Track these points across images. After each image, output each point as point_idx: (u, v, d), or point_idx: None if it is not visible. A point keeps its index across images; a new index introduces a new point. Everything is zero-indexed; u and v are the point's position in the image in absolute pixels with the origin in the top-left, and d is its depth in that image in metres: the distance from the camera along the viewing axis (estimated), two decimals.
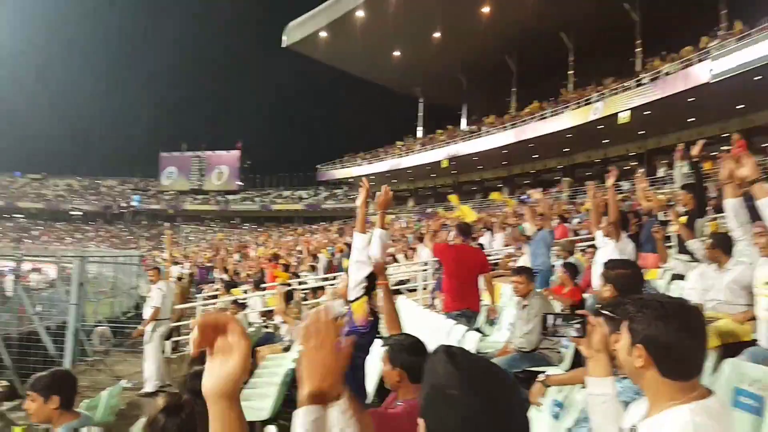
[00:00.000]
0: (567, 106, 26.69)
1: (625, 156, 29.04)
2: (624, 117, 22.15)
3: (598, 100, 24.11)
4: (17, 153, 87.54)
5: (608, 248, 4.84)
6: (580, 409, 2.48)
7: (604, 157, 30.07)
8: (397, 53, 35.91)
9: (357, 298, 3.44)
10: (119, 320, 10.06)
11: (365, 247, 3.65)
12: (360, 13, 31.15)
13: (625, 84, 23.21)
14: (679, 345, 1.28)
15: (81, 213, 67.47)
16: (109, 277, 11.57)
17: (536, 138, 28.02)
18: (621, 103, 22.57)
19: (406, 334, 2.64)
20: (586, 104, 25.01)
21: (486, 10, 28.89)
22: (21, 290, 7.73)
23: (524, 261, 8.90)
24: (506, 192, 35.75)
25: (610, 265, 3.09)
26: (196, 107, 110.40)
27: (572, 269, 6.19)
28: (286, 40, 37.14)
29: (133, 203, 66.48)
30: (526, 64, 33.16)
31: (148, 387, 7.31)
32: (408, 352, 2.28)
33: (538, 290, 5.02)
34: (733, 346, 3.45)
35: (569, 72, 30.86)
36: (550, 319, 1.78)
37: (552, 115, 27.25)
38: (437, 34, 32.49)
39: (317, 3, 34.09)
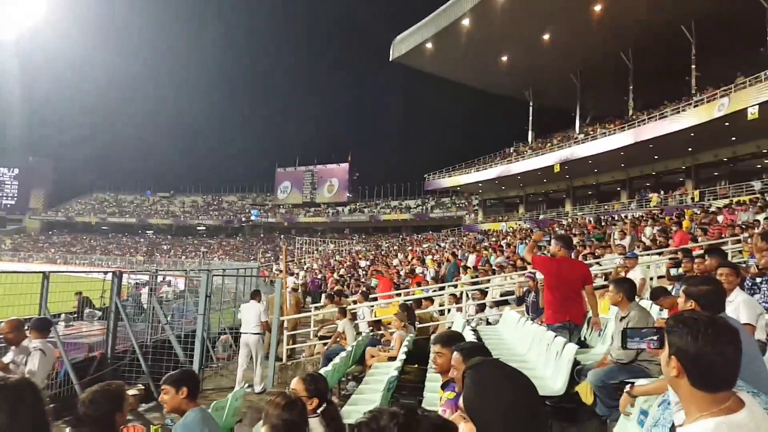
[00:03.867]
0: (690, 104, 24.57)
1: (758, 154, 26.14)
2: (753, 113, 19.96)
3: (723, 96, 21.92)
4: (148, 174, 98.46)
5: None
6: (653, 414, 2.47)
7: (733, 156, 27.26)
8: (504, 57, 35.37)
9: None
10: (240, 329, 10.85)
11: None
12: (466, 22, 31.19)
13: (756, 76, 20.92)
14: (705, 357, 1.38)
15: (205, 228, 73.73)
16: (231, 288, 12.53)
17: (656, 138, 26.04)
18: (750, 97, 20.43)
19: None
20: (710, 101, 22.86)
21: (598, 7, 27.57)
22: (155, 302, 8.67)
23: (636, 273, 8.41)
24: (625, 195, 33.61)
25: (692, 282, 2.99)
26: (309, 123, 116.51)
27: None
28: (393, 53, 38.06)
29: (252, 217, 71.30)
30: (644, 61, 31.12)
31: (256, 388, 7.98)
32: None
33: (639, 302, 4.79)
34: None
35: (692, 66, 28.35)
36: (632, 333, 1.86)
37: (673, 114, 25.21)
38: (547, 36, 31.58)
39: (423, 16, 34.71)
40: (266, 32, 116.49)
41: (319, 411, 2.82)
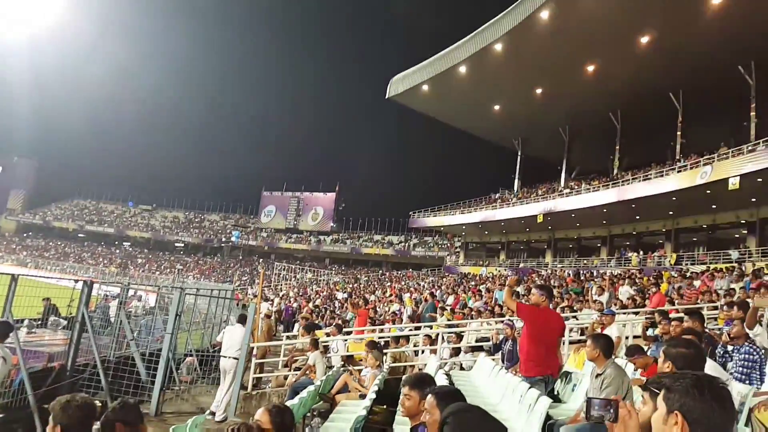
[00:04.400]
0: (673, 168, 25.24)
1: (736, 223, 26.77)
2: (734, 183, 20.56)
3: (706, 164, 22.60)
4: (132, 185, 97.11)
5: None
6: None
7: (712, 223, 27.91)
8: (497, 106, 36.22)
9: None
10: (207, 352, 10.55)
11: None
12: (462, 69, 31.96)
13: (738, 149, 21.70)
14: (712, 414, 1.37)
15: (184, 245, 72.59)
16: (203, 308, 12.21)
17: (639, 199, 26.59)
18: (732, 168, 21.10)
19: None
20: (693, 167, 23.53)
21: (591, 68, 28.49)
22: (123, 316, 8.41)
23: (612, 330, 8.40)
24: (605, 251, 34.01)
25: (672, 343, 3.04)
26: (299, 150, 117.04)
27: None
28: (389, 91, 38.75)
29: (233, 238, 70.56)
30: (632, 123, 32.02)
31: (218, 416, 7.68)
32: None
33: (616, 360, 4.76)
34: None
35: (677, 133, 29.26)
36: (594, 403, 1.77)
37: (657, 177, 25.85)
38: (539, 90, 32.46)
39: (421, 59, 35.53)
40: (264, 56, 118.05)
41: None
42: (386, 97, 39.23)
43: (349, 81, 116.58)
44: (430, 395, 2.44)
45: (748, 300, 7.46)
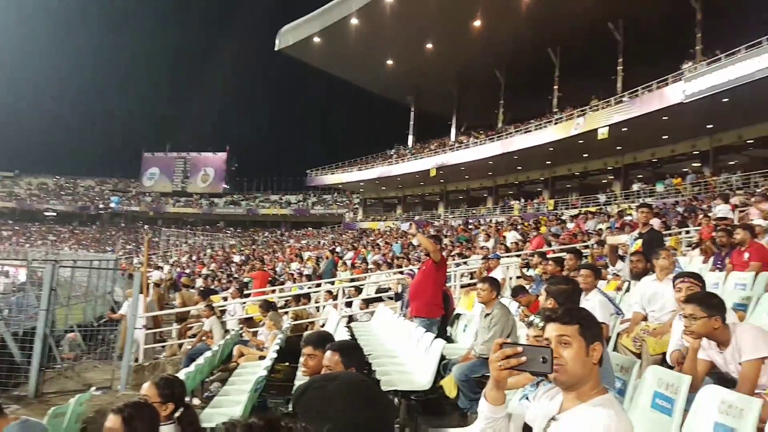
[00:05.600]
0: (551, 121, 27.03)
1: (603, 170, 29.50)
2: (603, 133, 22.54)
3: (580, 116, 24.45)
4: None
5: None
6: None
7: (583, 170, 30.53)
8: (390, 62, 36.12)
9: None
10: (92, 326, 9.88)
11: None
12: (354, 21, 31.32)
13: (606, 101, 23.71)
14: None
15: (55, 213, 66.07)
16: (83, 281, 11.35)
17: (521, 150, 28.29)
18: (601, 119, 23.06)
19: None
20: (568, 119, 25.36)
21: (477, 23, 29.19)
22: None
23: (497, 273, 9.00)
24: (491, 201, 36.00)
25: (553, 281, 3.36)
26: (183, 107, 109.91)
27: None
28: (278, 43, 37.19)
29: (112, 204, 65.56)
30: (515, 78, 33.49)
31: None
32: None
33: (502, 300, 5.11)
34: None
35: (554, 87, 31.23)
36: None
37: (536, 129, 27.57)
38: (430, 45, 32.75)
39: (311, 9, 34.30)
40: (148, 7, 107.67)
41: (174, 417, 2.61)
42: (276, 49, 37.67)
43: (237, 31, 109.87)
44: (329, 351, 2.44)
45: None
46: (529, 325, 2.17)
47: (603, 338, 1.68)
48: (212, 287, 14.41)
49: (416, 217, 38.60)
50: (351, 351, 2.50)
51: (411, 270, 9.46)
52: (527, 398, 2.01)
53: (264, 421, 0.95)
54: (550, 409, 1.65)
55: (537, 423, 1.68)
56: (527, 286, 6.94)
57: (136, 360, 8.47)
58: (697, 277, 3.63)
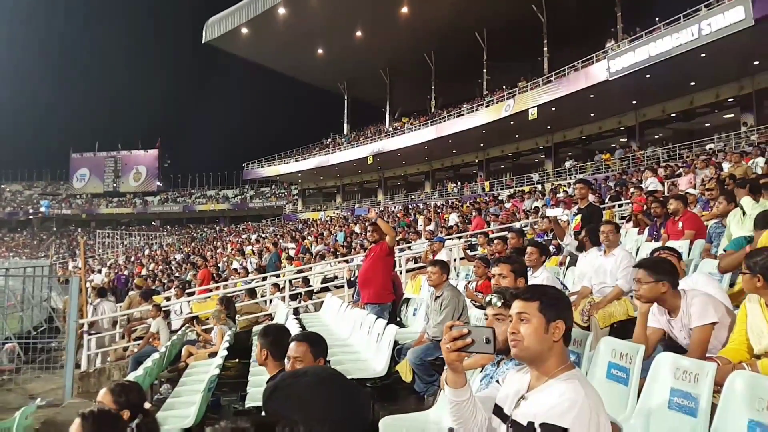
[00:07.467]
0: (482, 104, 27.77)
1: (535, 149, 30.68)
2: (533, 113, 23.41)
3: (509, 98, 25.25)
4: None
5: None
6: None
7: (516, 151, 31.64)
8: (320, 50, 35.83)
9: None
10: (30, 335, 9.47)
11: None
12: (281, 11, 30.79)
13: (534, 82, 24.59)
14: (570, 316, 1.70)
15: None
16: (17, 289, 10.81)
17: (455, 134, 28.94)
18: (530, 100, 23.91)
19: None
20: (498, 102, 26.14)
21: (405, 10, 29.42)
22: None
23: (443, 255, 9.33)
24: (429, 185, 36.66)
25: (502, 259, 3.55)
26: (110, 104, 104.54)
27: (486, 262, 6.22)
28: (205, 35, 36.01)
29: (42, 209, 61.97)
30: (445, 63, 34.08)
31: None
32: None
33: (451, 282, 5.14)
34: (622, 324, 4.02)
35: (484, 71, 32.04)
36: None
37: (468, 113, 28.27)
38: (359, 33, 32.74)
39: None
40: (70, 7, 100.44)
41: (133, 425, 2.47)
42: (202, 41, 36.47)
43: (165, 24, 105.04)
44: (296, 342, 2.41)
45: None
46: (488, 304, 2.29)
47: (569, 317, 1.67)
48: (153, 288, 14.06)
49: (356, 206, 38.76)
50: (318, 340, 2.47)
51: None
52: (498, 382, 2.11)
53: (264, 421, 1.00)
54: (520, 388, 1.68)
55: (507, 402, 1.70)
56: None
57: (79, 366, 8.23)
58: (673, 251, 3.85)
